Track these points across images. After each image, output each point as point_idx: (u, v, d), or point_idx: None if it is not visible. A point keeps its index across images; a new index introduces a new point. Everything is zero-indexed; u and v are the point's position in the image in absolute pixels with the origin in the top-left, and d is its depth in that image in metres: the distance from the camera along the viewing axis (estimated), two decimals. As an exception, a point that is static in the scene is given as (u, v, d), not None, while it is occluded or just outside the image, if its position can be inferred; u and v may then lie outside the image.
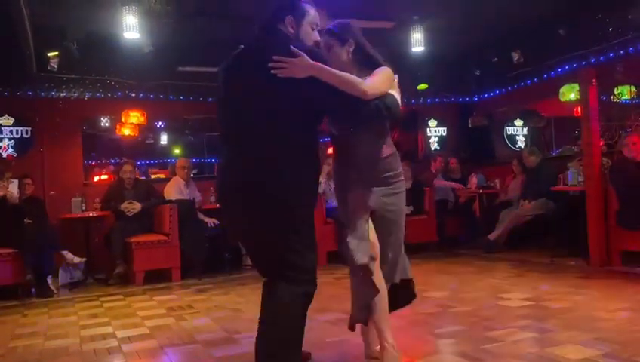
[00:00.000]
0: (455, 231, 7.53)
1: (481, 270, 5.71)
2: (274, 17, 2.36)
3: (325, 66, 2.21)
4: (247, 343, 3.29)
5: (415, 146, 8.60)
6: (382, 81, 2.42)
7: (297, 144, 2.22)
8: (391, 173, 2.63)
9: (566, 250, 5.93)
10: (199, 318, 4.11)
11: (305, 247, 2.25)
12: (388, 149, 2.63)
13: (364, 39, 2.64)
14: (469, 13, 5.58)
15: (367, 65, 2.55)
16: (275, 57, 2.13)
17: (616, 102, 6.45)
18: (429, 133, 8.64)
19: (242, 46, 2.38)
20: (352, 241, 2.52)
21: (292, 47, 2.16)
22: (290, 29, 2.35)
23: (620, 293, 4.15)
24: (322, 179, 6.64)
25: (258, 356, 2.25)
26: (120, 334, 3.71)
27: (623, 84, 6.50)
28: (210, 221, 6.38)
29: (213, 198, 6.95)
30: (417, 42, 5.69)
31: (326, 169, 6.80)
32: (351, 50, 2.60)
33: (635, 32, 4.92)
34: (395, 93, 2.50)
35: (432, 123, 8.63)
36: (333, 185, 2.75)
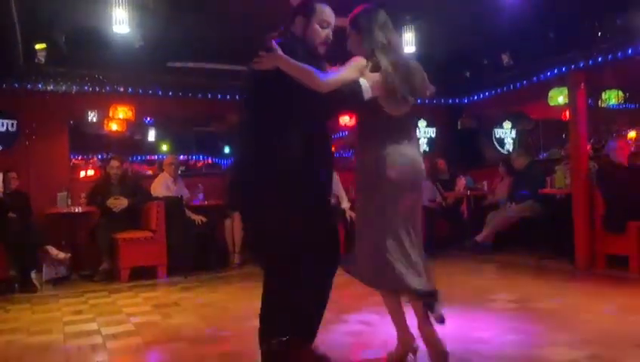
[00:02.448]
0: (443, 233, 7.55)
1: (469, 271, 5.73)
2: (288, 19, 2.53)
3: (287, 58, 2.28)
4: (234, 341, 3.27)
5: (404, 147, 8.60)
6: (347, 72, 2.43)
7: (271, 147, 2.37)
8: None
9: (552, 252, 5.97)
10: (185, 316, 4.08)
11: None
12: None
13: (380, 26, 2.59)
14: (459, 15, 5.59)
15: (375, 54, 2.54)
16: (259, 52, 2.29)
17: (603, 106, 6.53)
18: (417, 134, 8.66)
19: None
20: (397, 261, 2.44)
21: (272, 41, 2.29)
22: (299, 29, 2.49)
23: (604, 296, 4.19)
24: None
25: None
26: (105, 331, 3.67)
27: (610, 88, 6.58)
28: (198, 218, 6.34)
29: (201, 196, 6.91)
30: (408, 42, 5.69)
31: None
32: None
33: (624, 36, 4.96)
34: (367, 80, 2.46)
35: (422, 123, 8.65)
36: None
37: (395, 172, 2.49)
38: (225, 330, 3.53)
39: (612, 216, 5.20)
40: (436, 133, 8.71)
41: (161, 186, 6.40)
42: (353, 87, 2.46)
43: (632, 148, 6.01)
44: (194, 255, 6.14)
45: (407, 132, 2.61)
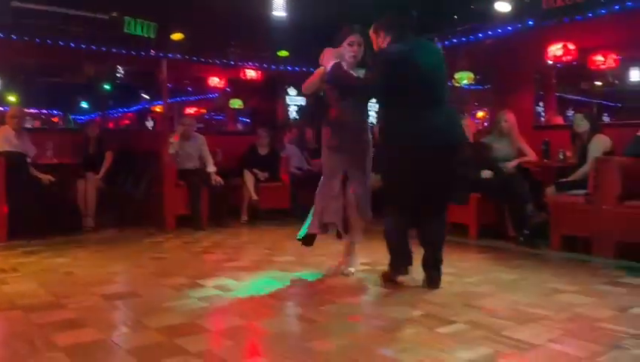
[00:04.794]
0: (307, 200, 7.69)
1: (329, 236, 5.91)
2: None
3: None
4: (76, 308, 3.07)
5: (273, 114, 8.60)
6: None
7: None
8: None
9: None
10: (23, 282, 3.74)
11: None
12: None
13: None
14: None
15: None
16: None
17: (457, 86, 7.03)
18: (288, 102, 8.67)
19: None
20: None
21: None
22: None
23: (445, 260, 4.56)
24: (173, 140, 6.38)
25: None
26: None
27: (463, 69, 7.09)
28: (45, 177, 5.81)
29: (49, 153, 6.33)
30: (279, 6, 5.63)
31: (180, 129, 6.56)
32: None
33: (476, 22, 5.36)
34: None
35: (292, 92, 8.67)
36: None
37: None
38: (67, 297, 3.28)
39: (457, 188, 5.64)
40: (306, 101, 8.78)
41: (2, 140, 5.74)
42: None
43: (480, 127, 6.58)
44: (40, 217, 5.63)
45: None
